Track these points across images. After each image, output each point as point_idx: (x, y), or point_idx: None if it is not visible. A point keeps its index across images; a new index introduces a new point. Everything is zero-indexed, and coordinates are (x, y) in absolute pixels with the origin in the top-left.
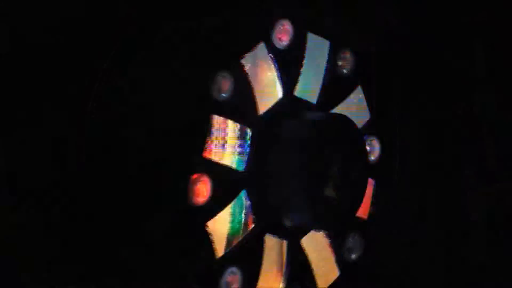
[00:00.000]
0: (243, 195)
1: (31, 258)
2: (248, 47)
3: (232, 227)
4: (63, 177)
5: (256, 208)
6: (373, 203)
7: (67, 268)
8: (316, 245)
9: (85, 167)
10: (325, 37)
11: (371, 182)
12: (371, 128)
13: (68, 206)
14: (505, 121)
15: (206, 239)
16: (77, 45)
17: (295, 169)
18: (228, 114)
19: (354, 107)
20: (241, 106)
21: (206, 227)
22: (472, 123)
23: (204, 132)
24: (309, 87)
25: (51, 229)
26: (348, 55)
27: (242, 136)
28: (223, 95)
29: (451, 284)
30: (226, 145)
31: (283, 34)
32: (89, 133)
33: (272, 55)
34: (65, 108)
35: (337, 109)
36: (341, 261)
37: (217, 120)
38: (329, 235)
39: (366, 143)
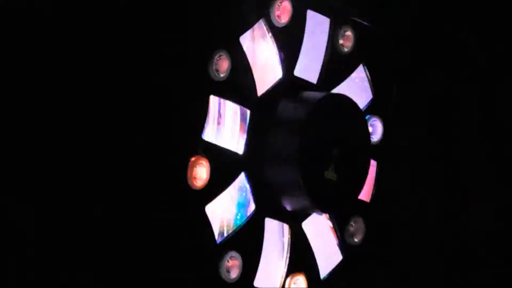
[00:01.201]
0: (242, 178)
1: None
2: (247, 26)
3: (231, 211)
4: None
5: (255, 191)
6: (375, 186)
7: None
8: (318, 229)
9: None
10: (325, 14)
11: (373, 164)
12: (373, 108)
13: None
14: None
15: (205, 223)
16: None
17: (295, 151)
18: (226, 95)
19: (356, 87)
20: (239, 87)
21: (205, 211)
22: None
23: (202, 113)
24: (309, 66)
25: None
26: (349, 32)
27: (241, 117)
28: (221, 75)
29: (454, 266)
30: (225, 127)
31: (282, 11)
32: None
33: (271, 34)
34: None
35: (339, 89)
36: (344, 245)
37: (215, 101)
38: (331, 219)
39: (369, 124)
